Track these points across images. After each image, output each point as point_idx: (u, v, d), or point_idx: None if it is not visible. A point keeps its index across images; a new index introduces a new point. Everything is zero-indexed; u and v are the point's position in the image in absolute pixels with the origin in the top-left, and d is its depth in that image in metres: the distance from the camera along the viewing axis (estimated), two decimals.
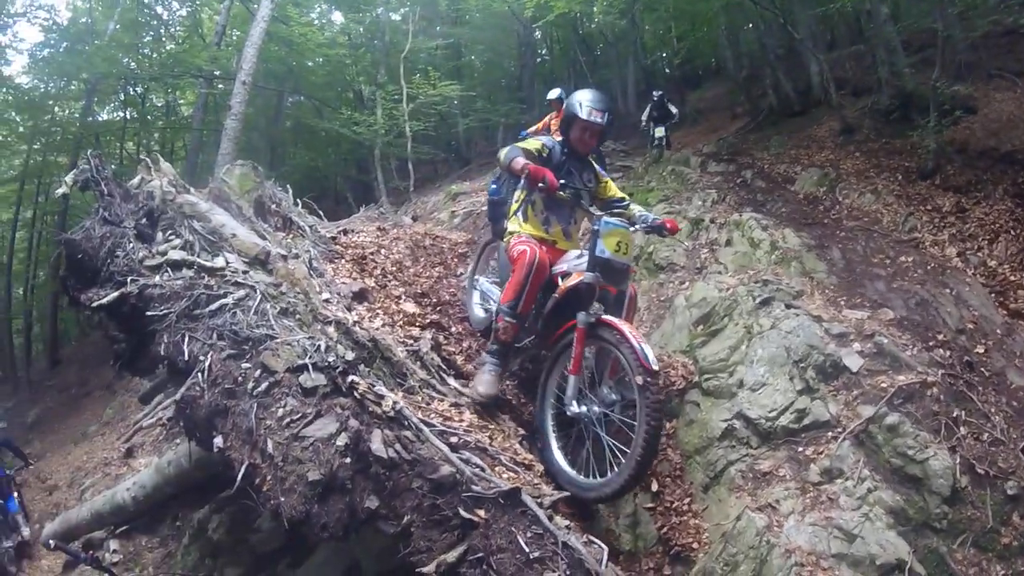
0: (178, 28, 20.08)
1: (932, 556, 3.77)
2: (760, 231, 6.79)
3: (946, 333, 5.36)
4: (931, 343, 5.11)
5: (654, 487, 4.31)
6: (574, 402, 3.93)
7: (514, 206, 4.63)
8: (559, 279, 4.25)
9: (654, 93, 13.06)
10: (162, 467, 5.96)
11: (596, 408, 3.90)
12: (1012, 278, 6.47)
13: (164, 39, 19.38)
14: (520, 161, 4.07)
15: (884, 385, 4.54)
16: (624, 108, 17.73)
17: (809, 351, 4.80)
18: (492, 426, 3.90)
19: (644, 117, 12.73)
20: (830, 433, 4.35)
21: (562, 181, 4.17)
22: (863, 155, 9.28)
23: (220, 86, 18.00)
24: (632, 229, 4.24)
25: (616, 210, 4.54)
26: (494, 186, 5.28)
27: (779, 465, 4.28)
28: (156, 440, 8.52)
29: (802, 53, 12.76)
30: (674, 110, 12.47)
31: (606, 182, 4.79)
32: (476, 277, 5.62)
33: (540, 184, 3.92)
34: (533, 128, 9.76)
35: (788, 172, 9.09)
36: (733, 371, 4.91)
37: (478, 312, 5.44)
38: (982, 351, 5.30)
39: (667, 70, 21.35)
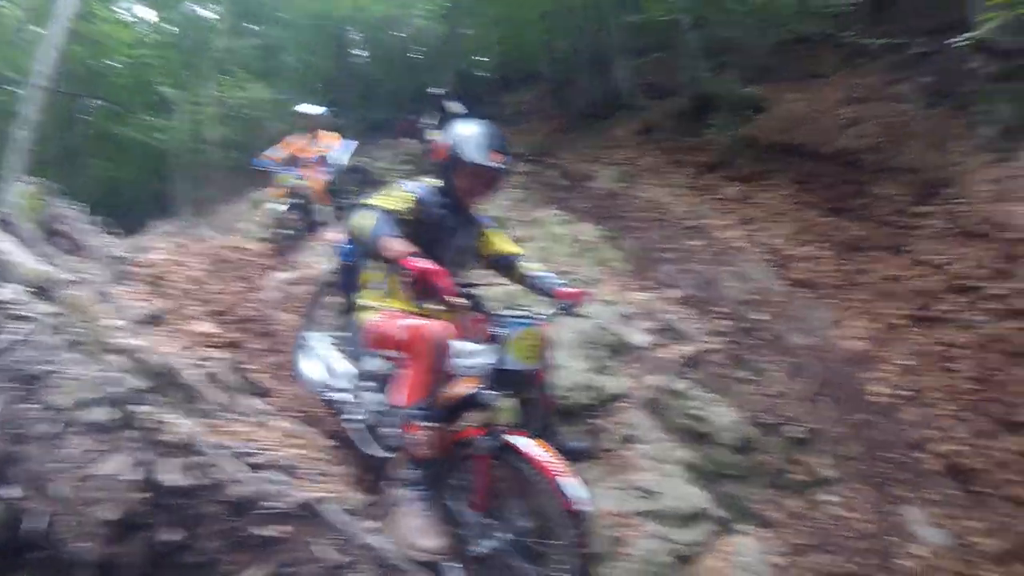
0: None
1: (730, 500, 4.12)
2: (560, 226, 7.15)
3: (729, 306, 5.92)
4: (714, 315, 5.61)
5: None
6: (480, 541, 3.18)
7: (370, 274, 3.58)
8: None
9: (434, 89, 12.58)
10: None
11: (508, 535, 3.16)
12: (791, 252, 7.13)
13: None
14: (396, 245, 2.95)
15: (671, 356, 4.94)
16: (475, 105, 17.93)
17: (602, 333, 5.15)
18: (298, 441, 3.86)
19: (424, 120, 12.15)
20: (624, 404, 4.67)
21: (462, 287, 3.18)
22: (661, 152, 10.02)
23: (10, 89, 16.37)
24: (546, 319, 3.33)
25: (504, 268, 3.82)
26: (348, 246, 4.09)
27: (581, 439, 4.46)
28: None
29: (612, 60, 13.48)
30: (456, 109, 11.41)
31: (489, 234, 3.80)
32: (314, 334, 4.61)
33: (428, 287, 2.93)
34: (272, 151, 8.69)
35: (590, 170, 9.61)
36: None
37: (315, 377, 4.42)
38: (765, 318, 5.88)
39: (486, 74, 21.81)
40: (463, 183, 3.46)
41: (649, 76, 13.65)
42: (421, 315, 3.35)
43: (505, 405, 3.12)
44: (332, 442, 4.12)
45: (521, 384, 3.24)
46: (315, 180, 8.21)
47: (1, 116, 16.33)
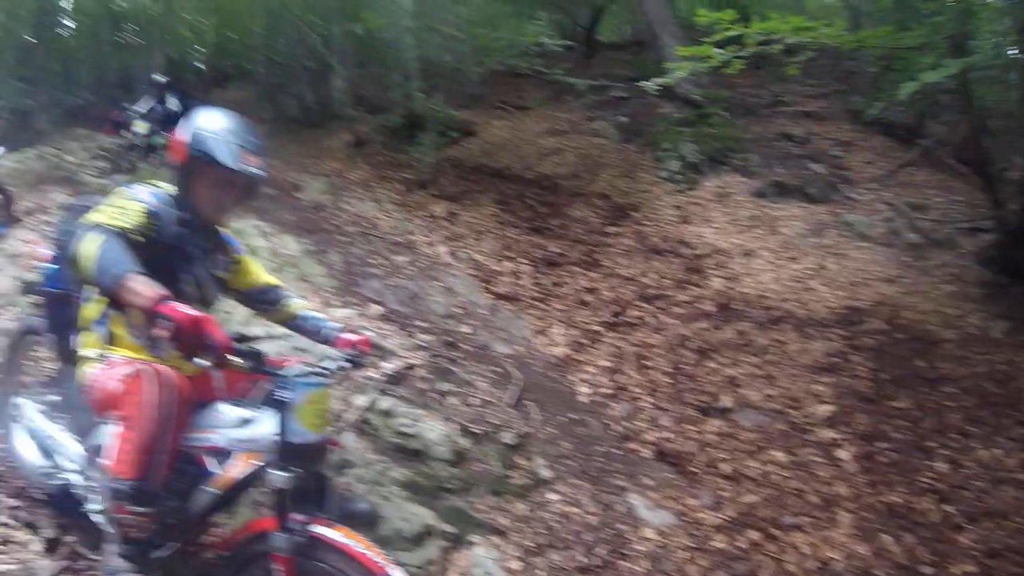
0: None
1: (456, 513, 3.97)
2: (260, 238, 6.68)
3: (432, 319, 5.90)
4: (413, 330, 5.51)
5: None
6: None
7: (90, 310, 2.64)
8: (204, 457, 2.57)
9: (157, 76, 11.07)
10: None
11: None
12: (495, 268, 7.39)
13: None
14: (143, 286, 2.05)
15: (373, 375, 4.74)
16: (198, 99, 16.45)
17: (296, 353, 4.75)
18: None
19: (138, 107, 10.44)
20: (331, 428, 4.36)
21: (240, 345, 2.27)
22: (370, 166, 10.02)
23: None
24: (331, 376, 2.55)
25: (263, 305, 3.09)
26: (52, 266, 2.94)
27: (357, 499, 4.18)
28: None
29: (330, 68, 13.22)
30: (175, 107, 10.21)
31: (243, 262, 3.02)
32: (14, 400, 3.50)
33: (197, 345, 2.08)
34: None
35: (298, 180, 9.24)
36: None
37: (32, 458, 3.31)
38: (468, 330, 5.95)
39: (198, 64, 20.42)
40: (208, 193, 2.61)
41: (365, 89, 13.61)
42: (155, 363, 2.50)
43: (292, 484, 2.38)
44: (15, 502, 3.51)
45: (310, 457, 2.45)
46: None
47: None
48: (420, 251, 7.37)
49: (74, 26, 20.37)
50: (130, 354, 2.53)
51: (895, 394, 5.20)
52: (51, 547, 3.29)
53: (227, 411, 2.51)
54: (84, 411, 2.71)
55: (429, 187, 9.20)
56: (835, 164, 9.21)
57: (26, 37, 18.66)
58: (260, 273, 3.08)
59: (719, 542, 4.03)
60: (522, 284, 7.14)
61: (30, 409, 3.30)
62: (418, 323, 5.68)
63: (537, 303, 6.88)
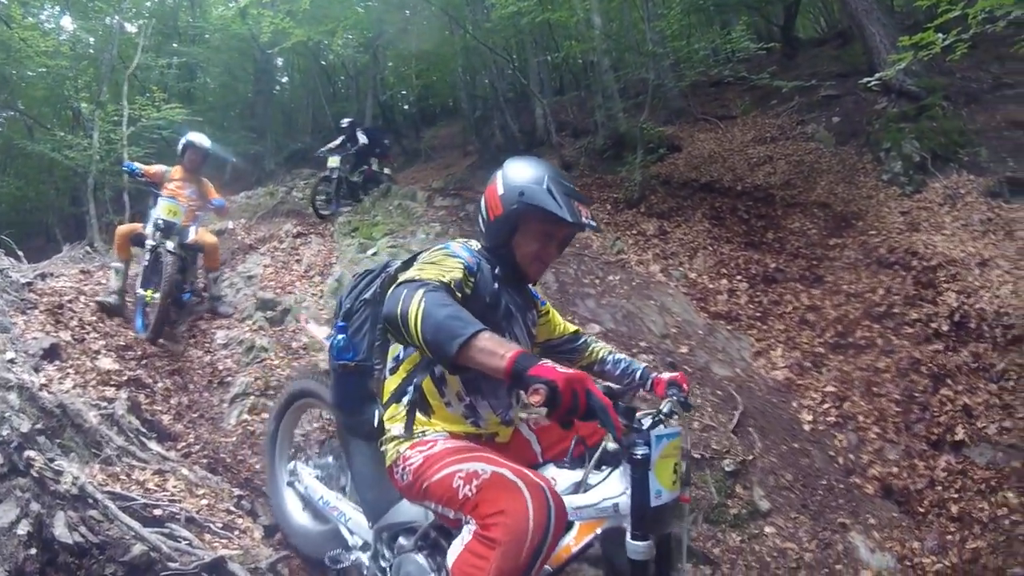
0: None
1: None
2: None
3: (650, 339, 5.87)
4: (635, 349, 5.52)
5: None
6: None
7: (395, 380, 2.41)
8: None
9: (344, 120, 11.75)
10: None
11: None
12: (711, 286, 7.23)
13: None
14: (498, 346, 1.77)
15: None
16: (384, 136, 17.89)
17: None
18: (203, 491, 3.63)
19: (330, 145, 11.29)
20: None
21: (629, 423, 2.03)
22: (579, 188, 9.96)
23: None
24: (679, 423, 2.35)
25: (569, 354, 2.91)
26: (340, 336, 2.62)
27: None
28: None
29: (530, 97, 13.66)
30: (362, 139, 11.13)
31: (550, 313, 2.90)
32: (289, 465, 3.54)
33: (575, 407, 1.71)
34: (146, 168, 7.09)
35: None
36: None
37: (302, 523, 3.46)
38: (686, 350, 5.86)
39: (405, 107, 21.86)
40: (531, 246, 2.38)
41: (566, 115, 13.91)
42: (473, 434, 2.37)
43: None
44: (240, 491, 3.89)
45: (666, 520, 2.15)
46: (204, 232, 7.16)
47: None
48: (633, 270, 7.39)
49: (287, 80, 22.66)
50: (447, 427, 2.33)
51: None
52: (268, 534, 3.60)
53: (559, 476, 2.22)
54: (378, 487, 2.58)
55: (638, 205, 9.20)
56: None
57: (248, 94, 21.01)
58: (564, 322, 2.96)
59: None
60: (739, 302, 6.95)
61: (305, 474, 3.36)
62: (636, 342, 5.69)
63: (756, 322, 6.67)
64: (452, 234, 8.20)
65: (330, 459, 3.40)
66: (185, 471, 3.76)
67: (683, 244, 8.12)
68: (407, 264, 2.40)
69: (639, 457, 1.97)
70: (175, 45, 19.62)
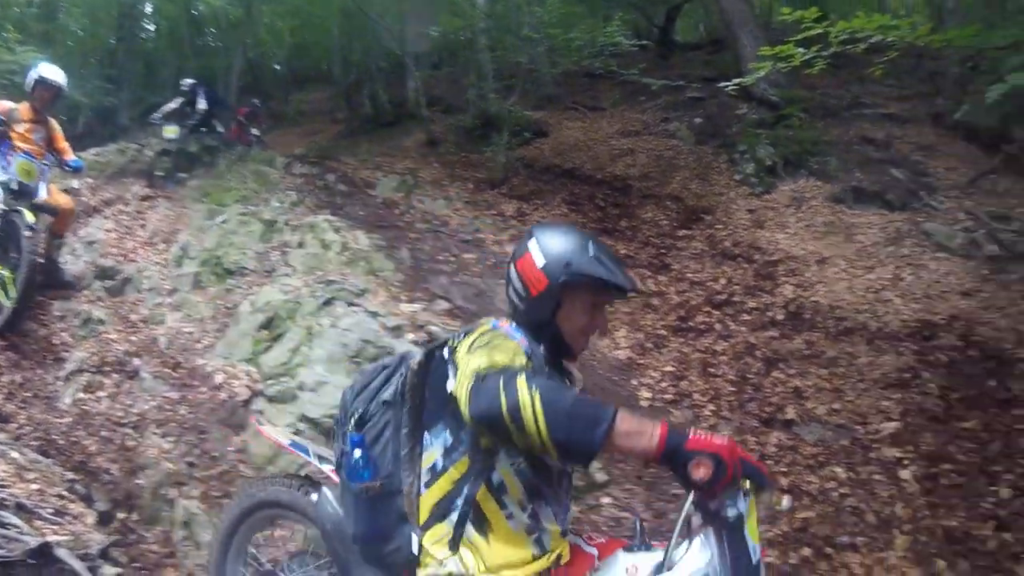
0: None
1: None
2: (332, 233, 6.95)
3: (498, 316, 5.89)
4: None
5: None
6: None
7: (433, 495, 2.02)
8: None
9: (185, 82, 10.94)
10: None
11: None
12: None
13: None
14: (640, 424, 1.61)
15: None
16: (227, 98, 17.07)
17: (364, 345, 5.03)
18: (33, 475, 3.55)
19: (166, 108, 10.39)
20: None
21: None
22: (442, 165, 10.24)
23: None
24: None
25: None
26: (357, 453, 2.15)
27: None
28: None
29: (404, 69, 13.50)
30: (201, 105, 10.44)
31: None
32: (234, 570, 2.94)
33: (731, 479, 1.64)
34: None
35: (371, 177, 9.56)
36: (295, 374, 4.98)
37: None
38: None
39: (276, 66, 21.07)
40: (580, 319, 2.11)
41: (439, 90, 13.85)
42: (537, 560, 1.98)
43: None
44: (72, 475, 3.84)
45: None
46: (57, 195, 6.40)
47: None
48: (488, 249, 7.49)
49: (154, 29, 21.28)
50: (506, 555, 1.95)
51: (964, 414, 5.01)
52: (103, 520, 3.59)
53: (637, 562, 1.95)
54: None
55: (500, 186, 9.34)
56: (916, 170, 8.86)
57: (110, 40, 19.59)
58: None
59: (771, 557, 4.01)
60: None
61: None
62: (482, 319, 5.77)
63: None
64: (309, 204, 8.06)
65: None
66: (15, 454, 3.67)
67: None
68: (432, 354, 2.07)
69: (732, 518, 1.79)
70: None
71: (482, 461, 1.93)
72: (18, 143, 5.88)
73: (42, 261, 5.75)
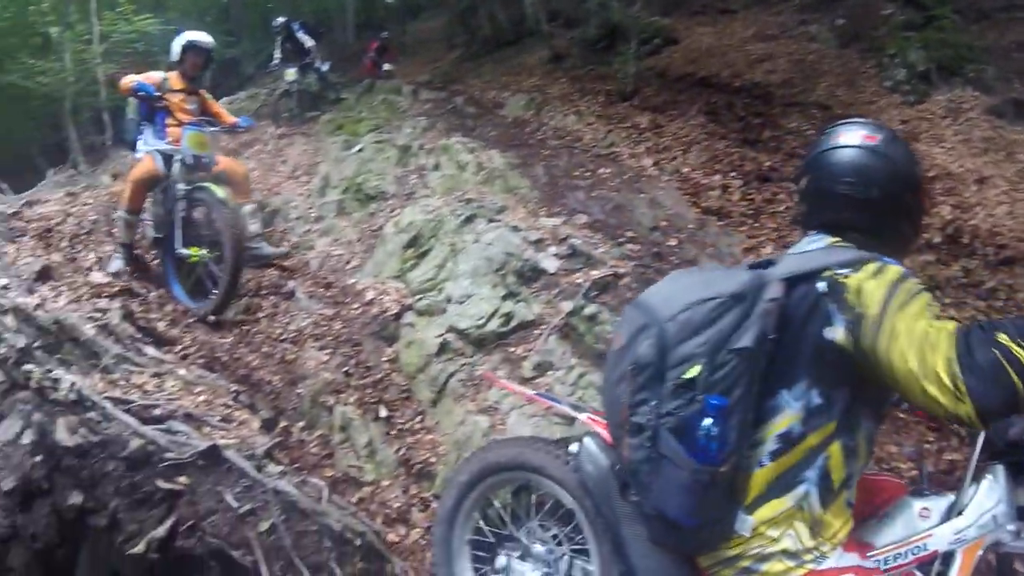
0: None
1: None
2: (467, 154, 6.97)
3: (638, 231, 5.81)
4: (622, 240, 5.50)
5: (383, 413, 4.39)
6: None
7: (777, 468, 1.68)
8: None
9: (276, 20, 11.28)
10: None
11: None
12: (703, 182, 7.06)
13: None
14: None
15: (579, 281, 4.83)
16: (343, 39, 17.27)
17: (508, 259, 5.03)
18: (200, 388, 3.72)
19: (276, 54, 10.94)
20: (536, 331, 4.59)
21: None
22: (569, 81, 9.88)
23: None
24: None
25: None
26: (710, 423, 1.59)
27: (495, 368, 4.46)
28: None
29: None
30: (308, 43, 10.77)
31: None
32: (499, 560, 2.67)
33: None
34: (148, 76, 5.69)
35: (498, 98, 9.47)
36: (442, 288, 5.14)
37: None
38: (674, 243, 5.80)
39: (388, 1, 21.18)
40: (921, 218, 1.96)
41: (557, 3, 13.47)
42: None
43: None
44: (237, 387, 3.99)
45: None
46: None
47: None
48: (624, 163, 7.23)
49: None
50: (839, 527, 1.71)
51: None
52: (267, 427, 3.73)
53: (930, 506, 1.82)
54: None
55: (632, 99, 8.94)
56: None
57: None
58: None
59: None
60: (731, 199, 6.80)
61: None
62: (624, 233, 5.64)
63: (748, 220, 6.53)
64: (440, 128, 8.07)
65: (561, 551, 2.52)
66: (182, 371, 3.82)
67: (677, 139, 7.92)
68: (794, 285, 1.66)
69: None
70: None
71: (849, 425, 1.65)
72: (178, 114, 5.64)
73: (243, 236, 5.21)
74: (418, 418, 4.44)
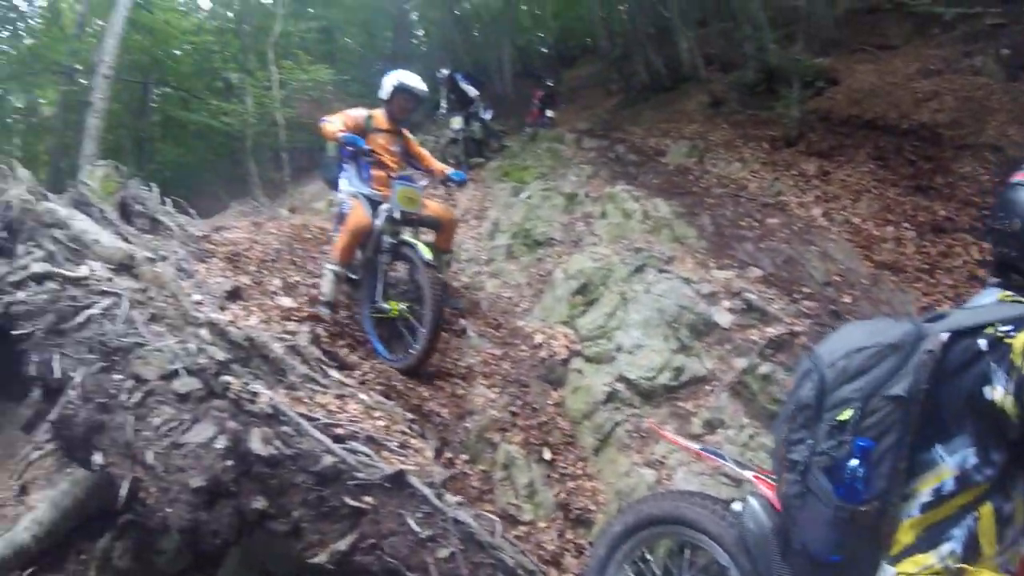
0: (37, 21, 18.53)
1: None
2: (632, 202, 7.05)
3: (812, 286, 5.72)
4: (797, 296, 5.44)
5: (547, 455, 4.44)
6: None
7: (926, 520, 1.67)
8: None
9: (441, 72, 11.53)
10: (57, 500, 5.53)
11: None
12: (876, 233, 6.87)
13: (22, 33, 17.85)
14: None
15: (754, 337, 4.81)
16: (501, 88, 17.81)
17: (681, 311, 5.08)
18: (379, 413, 3.89)
19: (442, 104, 11.24)
20: (707, 387, 4.60)
21: None
22: (730, 126, 9.80)
23: (83, 81, 16.77)
24: None
25: None
26: (855, 464, 1.69)
27: (662, 422, 4.47)
28: (48, 472, 7.88)
29: (672, 31, 13.20)
30: (472, 92, 11.02)
31: None
32: None
33: None
34: (347, 117, 5.50)
35: (659, 145, 9.50)
36: (611, 336, 5.19)
37: None
38: (849, 300, 5.68)
39: (543, 49, 21.67)
40: None
41: (711, 47, 13.35)
42: None
43: None
44: (412, 416, 4.12)
45: None
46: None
47: (74, 105, 16.98)
48: (792, 213, 7.14)
49: (423, 34, 23.00)
50: None
51: None
52: (437, 455, 3.90)
53: None
54: None
55: (796, 144, 8.78)
56: None
57: (385, 51, 21.58)
58: None
59: None
60: (905, 252, 6.58)
61: None
62: (798, 289, 5.58)
63: (923, 275, 6.30)
64: (604, 176, 8.23)
65: None
66: (363, 396, 3.98)
67: (846, 186, 7.70)
68: (956, 339, 1.64)
69: None
70: (311, 10, 20.39)
71: (1004, 488, 1.60)
72: (383, 156, 5.52)
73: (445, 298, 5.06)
74: (580, 464, 4.50)
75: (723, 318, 5.04)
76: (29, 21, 18.37)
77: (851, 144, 8.60)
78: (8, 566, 5.80)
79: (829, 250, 6.37)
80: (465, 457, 4.23)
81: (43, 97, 20.97)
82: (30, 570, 5.65)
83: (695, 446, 2.83)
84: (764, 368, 4.57)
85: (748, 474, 2.36)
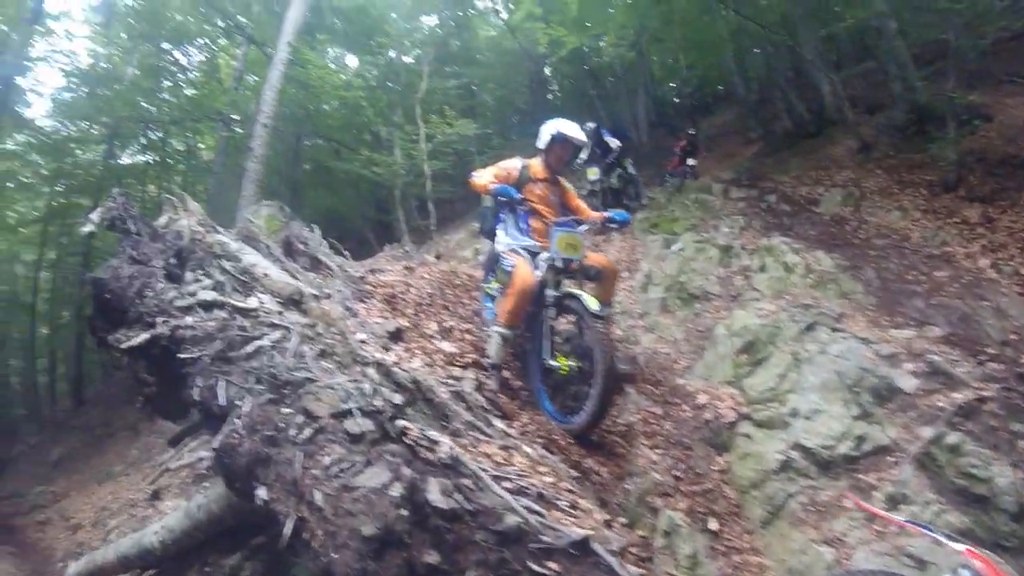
0: (196, 73, 20.73)
1: None
2: (792, 255, 6.96)
3: (993, 346, 5.42)
4: (981, 357, 5.12)
5: (713, 525, 4.22)
6: None
7: None
8: None
9: (587, 125, 11.01)
10: (192, 511, 5.70)
11: None
12: None
13: (183, 84, 20.01)
14: None
15: (941, 404, 4.51)
16: (637, 139, 18.02)
17: (862, 374, 4.81)
18: (544, 468, 3.70)
19: (583, 155, 10.50)
20: (890, 458, 4.32)
21: None
22: (884, 172, 9.46)
23: (239, 130, 18.57)
24: None
25: None
26: None
27: (841, 495, 4.23)
28: (183, 483, 8.31)
29: (811, 74, 12.97)
30: (614, 143, 10.98)
31: None
32: None
33: None
34: (506, 169, 5.30)
35: (811, 194, 9.32)
36: (784, 400, 4.95)
37: None
38: None
39: (677, 99, 21.78)
40: None
41: (853, 89, 12.99)
42: None
43: None
44: (576, 473, 4.00)
45: None
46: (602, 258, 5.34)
47: (233, 152, 18.63)
48: (959, 264, 6.88)
49: (558, 88, 23.69)
50: None
51: None
52: (607, 524, 3.59)
53: None
54: None
55: (956, 188, 8.38)
56: None
57: (521, 105, 22.40)
58: None
59: None
60: None
61: None
62: (981, 349, 5.28)
63: None
64: (757, 227, 8.19)
65: None
66: (527, 448, 3.81)
67: (1012, 234, 7.29)
68: None
69: None
70: (450, 68, 21.91)
71: None
72: (540, 207, 5.27)
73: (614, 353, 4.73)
74: (746, 536, 4.24)
75: (907, 382, 4.73)
76: (188, 73, 20.64)
77: (1013, 187, 8.12)
78: (131, 565, 6.13)
79: (1002, 305, 6.07)
80: (623, 520, 3.99)
81: (202, 143, 23.42)
82: (151, 572, 5.69)
83: (899, 517, 2.74)
84: (952, 438, 4.23)
85: (960, 547, 2.34)
